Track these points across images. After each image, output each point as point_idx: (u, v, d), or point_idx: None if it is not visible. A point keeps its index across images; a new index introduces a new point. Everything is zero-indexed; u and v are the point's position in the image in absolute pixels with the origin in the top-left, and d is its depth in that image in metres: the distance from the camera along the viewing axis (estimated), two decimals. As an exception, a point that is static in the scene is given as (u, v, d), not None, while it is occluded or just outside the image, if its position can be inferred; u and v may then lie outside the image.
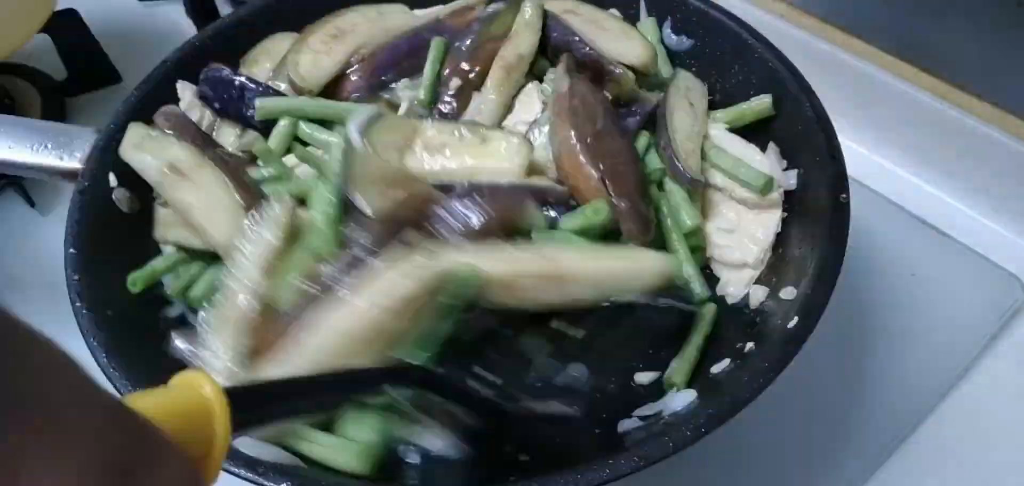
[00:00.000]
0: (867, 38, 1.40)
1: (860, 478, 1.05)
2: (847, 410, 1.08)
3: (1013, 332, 1.18)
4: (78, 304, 0.95)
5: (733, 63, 1.16)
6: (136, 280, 1.01)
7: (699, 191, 1.06)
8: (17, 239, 1.41)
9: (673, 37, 1.22)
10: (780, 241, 1.04)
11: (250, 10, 1.29)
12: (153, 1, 1.80)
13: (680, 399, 0.90)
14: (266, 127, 1.16)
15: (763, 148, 1.10)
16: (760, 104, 1.11)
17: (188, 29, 1.73)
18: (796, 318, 0.87)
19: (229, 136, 1.18)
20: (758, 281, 1.02)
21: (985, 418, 1.10)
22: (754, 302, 1.00)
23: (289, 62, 1.19)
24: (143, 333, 1.00)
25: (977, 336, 1.16)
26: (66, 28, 1.70)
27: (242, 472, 0.79)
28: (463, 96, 1.13)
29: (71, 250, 1.01)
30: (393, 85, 1.19)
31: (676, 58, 1.23)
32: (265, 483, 0.79)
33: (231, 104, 1.17)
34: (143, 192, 1.15)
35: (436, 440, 0.86)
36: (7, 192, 1.46)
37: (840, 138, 1.04)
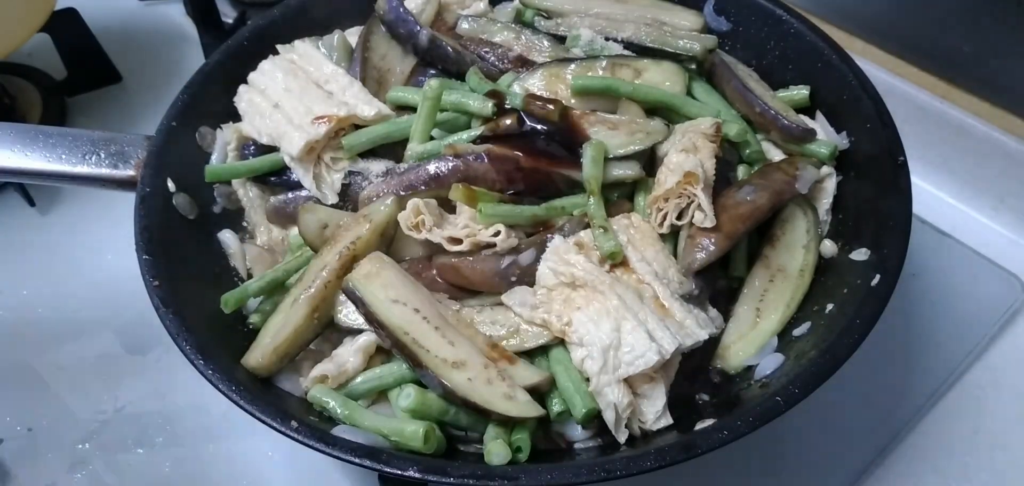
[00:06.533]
0: (867, 38, 1.44)
1: (861, 475, 1.07)
2: (848, 407, 1.10)
3: (1013, 332, 1.20)
4: (163, 310, 0.95)
5: (769, 40, 1.20)
6: (228, 301, 1.00)
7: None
8: (17, 239, 1.39)
9: (713, 18, 1.24)
10: (837, 203, 1.08)
11: (283, 11, 1.29)
12: (153, 1, 1.76)
13: (769, 363, 0.94)
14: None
15: (811, 116, 1.14)
16: (798, 95, 1.15)
17: (188, 29, 1.70)
18: (878, 276, 0.92)
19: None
20: (826, 236, 1.06)
21: (985, 416, 1.13)
22: (826, 253, 1.04)
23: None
24: (226, 329, 1.01)
25: (977, 336, 1.18)
26: (66, 28, 1.67)
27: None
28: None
29: (145, 257, 1.00)
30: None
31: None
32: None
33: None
34: (202, 197, 1.15)
35: None
36: (7, 192, 1.43)
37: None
